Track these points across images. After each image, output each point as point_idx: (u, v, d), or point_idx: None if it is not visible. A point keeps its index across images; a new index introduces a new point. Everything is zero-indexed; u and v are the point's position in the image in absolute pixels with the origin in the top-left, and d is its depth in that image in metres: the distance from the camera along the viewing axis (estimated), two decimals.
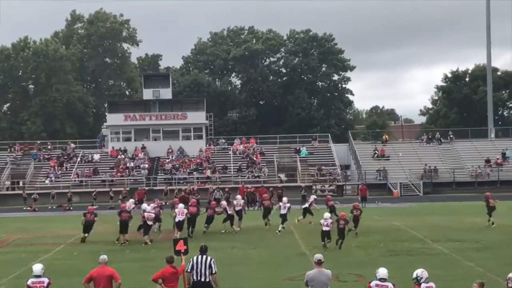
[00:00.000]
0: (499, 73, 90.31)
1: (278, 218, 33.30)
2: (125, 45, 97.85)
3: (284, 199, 35.29)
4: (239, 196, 37.34)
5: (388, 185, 60.89)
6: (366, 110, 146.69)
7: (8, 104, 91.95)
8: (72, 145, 68.44)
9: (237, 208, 34.52)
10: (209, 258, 14.57)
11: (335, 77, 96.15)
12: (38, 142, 70.24)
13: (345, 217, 27.38)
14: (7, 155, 66.37)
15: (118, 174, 61.91)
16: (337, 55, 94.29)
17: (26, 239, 32.38)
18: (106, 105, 75.99)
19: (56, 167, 63.23)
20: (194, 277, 14.47)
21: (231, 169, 63.09)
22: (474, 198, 37.80)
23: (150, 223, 29.76)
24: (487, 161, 63.37)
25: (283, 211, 33.45)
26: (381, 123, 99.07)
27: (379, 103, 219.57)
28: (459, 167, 63.31)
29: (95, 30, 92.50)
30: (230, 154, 66.49)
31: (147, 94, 69.92)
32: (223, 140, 70.08)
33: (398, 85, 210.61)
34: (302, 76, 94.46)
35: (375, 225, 33.91)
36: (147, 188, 56.04)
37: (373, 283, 12.81)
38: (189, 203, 34.55)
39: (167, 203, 35.82)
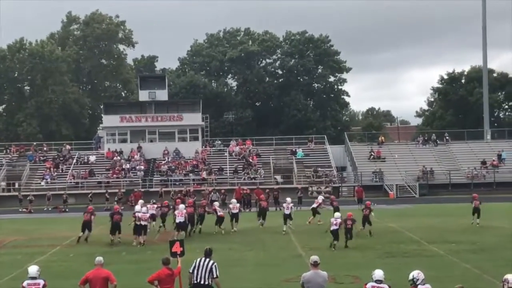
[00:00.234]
0: (495, 74, 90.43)
1: (274, 219, 33.33)
2: (121, 47, 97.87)
3: (288, 199, 35.66)
4: (234, 200, 37.35)
5: (384, 186, 60.90)
6: (362, 111, 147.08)
7: (3, 106, 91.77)
8: (68, 147, 68.33)
9: (234, 211, 34.62)
10: (211, 262, 14.60)
11: (331, 79, 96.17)
12: (34, 143, 69.99)
13: (352, 217, 27.95)
14: (3, 157, 66.11)
15: (114, 175, 61.82)
16: (333, 56, 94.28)
17: (21, 240, 32.32)
18: (102, 106, 75.85)
19: (52, 169, 63.10)
20: (195, 279, 14.49)
21: (227, 170, 63.07)
22: (470, 200, 37.90)
23: (144, 223, 29.78)
24: (483, 162, 63.43)
25: (286, 211, 33.93)
26: (377, 125, 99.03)
27: (375, 104, 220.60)
28: (455, 168, 63.37)
29: (91, 31, 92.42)
30: (226, 156, 66.46)
31: (143, 95, 69.81)
32: (219, 142, 70.04)
33: (394, 86, 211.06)
34: (298, 78, 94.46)
35: (371, 227, 33.85)
36: (143, 189, 55.99)
37: (369, 285, 12.80)
38: (186, 204, 34.78)
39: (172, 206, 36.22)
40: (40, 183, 60.97)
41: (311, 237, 30.72)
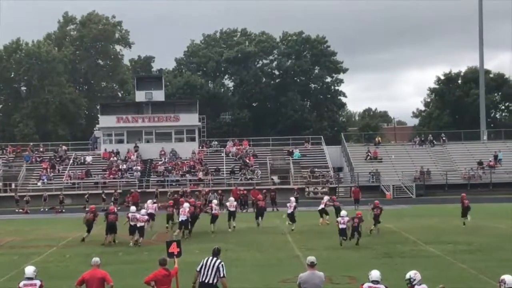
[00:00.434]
0: (491, 75, 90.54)
1: (271, 219, 33.31)
2: (118, 47, 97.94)
3: (292, 198, 36.23)
4: (232, 198, 37.61)
5: (380, 187, 60.93)
6: (359, 112, 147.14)
7: (0, 106, 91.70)
8: (64, 147, 68.25)
9: (231, 209, 34.86)
10: (218, 261, 14.62)
11: (328, 79, 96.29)
12: (31, 144, 69.99)
13: (360, 215, 28.42)
14: None
15: (111, 176, 61.78)
16: (330, 57, 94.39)
17: (18, 241, 32.26)
18: (98, 107, 75.88)
19: (48, 169, 63.04)
20: (201, 278, 14.53)
21: (223, 171, 63.06)
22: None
23: (141, 224, 29.78)
24: (480, 163, 63.50)
25: (289, 211, 34.37)
26: (374, 125, 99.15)
27: (372, 105, 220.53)
28: (451, 169, 63.44)
29: (87, 32, 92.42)
30: (223, 156, 66.44)
31: (140, 96, 69.78)
32: (216, 142, 70.01)
33: (391, 87, 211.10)
34: (295, 78, 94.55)
35: (367, 227, 33.85)
36: (139, 190, 55.97)
37: (365, 285, 12.78)
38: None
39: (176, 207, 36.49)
40: (36, 184, 60.92)
41: (308, 238, 30.72)
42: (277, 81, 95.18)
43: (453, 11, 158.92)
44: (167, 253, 16.35)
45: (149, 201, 36.92)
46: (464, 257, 24.21)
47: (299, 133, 79.42)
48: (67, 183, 60.99)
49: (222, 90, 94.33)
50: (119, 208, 38.53)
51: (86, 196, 53.70)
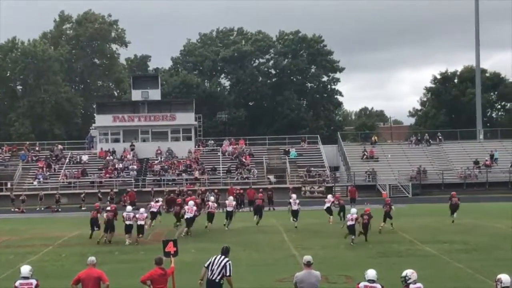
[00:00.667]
0: (487, 74, 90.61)
1: (268, 219, 33.30)
2: (114, 46, 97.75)
3: (294, 195, 36.39)
4: (231, 197, 37.60)
5: (377, 186, 60.98)
6: (355, 111, 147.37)
7: None
8: (60, 147, 68.12)
9: (229, 209, 34.80)
10: (225, 260, 14.73)
11: (324, 79, 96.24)
12: (27, 143, 69.77)
13: (369, 212, 28.86)
14: None
15: (107, 175, 61.69)
16: (326, 56, 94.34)
17: (14, 240, 32.20)
18: (94, 106, 75.71)
19: (44, 168, 62.90)
20: (208, 275, 14.65)
21: (220, 170, 63.02)
22: (462, 200, 37.93)
23: (142, 222, 29.87)
24: (476, 162, 63.53)
25: (294, 207, 34.68)
26: (370, 125, 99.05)
27: (368, 104, 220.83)
28: (447, 168, 63.48)
29: (83, 30, 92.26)
30: (219, 156, 66.38)
31: (136, 95, 69.67)
32: (212, 142, 69.95)
33: (387, 86, 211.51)
34: (291, 77, 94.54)
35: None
36: (135, 189, 55.96)
37: (361, 285, 12.80)
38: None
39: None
40: (32, 183, 60.80)
41: (304, 237, 30.71)
42: (273, 80, 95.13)
43: (449, 10, 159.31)
44: (164, 253, 16.35)
45: (153, 202, 37.11)
46: (460, 257, 24.23)
47: (295, 132, 79.43)
48: (63, 182, 60.85)
49: (219, 89, 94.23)
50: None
51: (82, 196, 53.65)
